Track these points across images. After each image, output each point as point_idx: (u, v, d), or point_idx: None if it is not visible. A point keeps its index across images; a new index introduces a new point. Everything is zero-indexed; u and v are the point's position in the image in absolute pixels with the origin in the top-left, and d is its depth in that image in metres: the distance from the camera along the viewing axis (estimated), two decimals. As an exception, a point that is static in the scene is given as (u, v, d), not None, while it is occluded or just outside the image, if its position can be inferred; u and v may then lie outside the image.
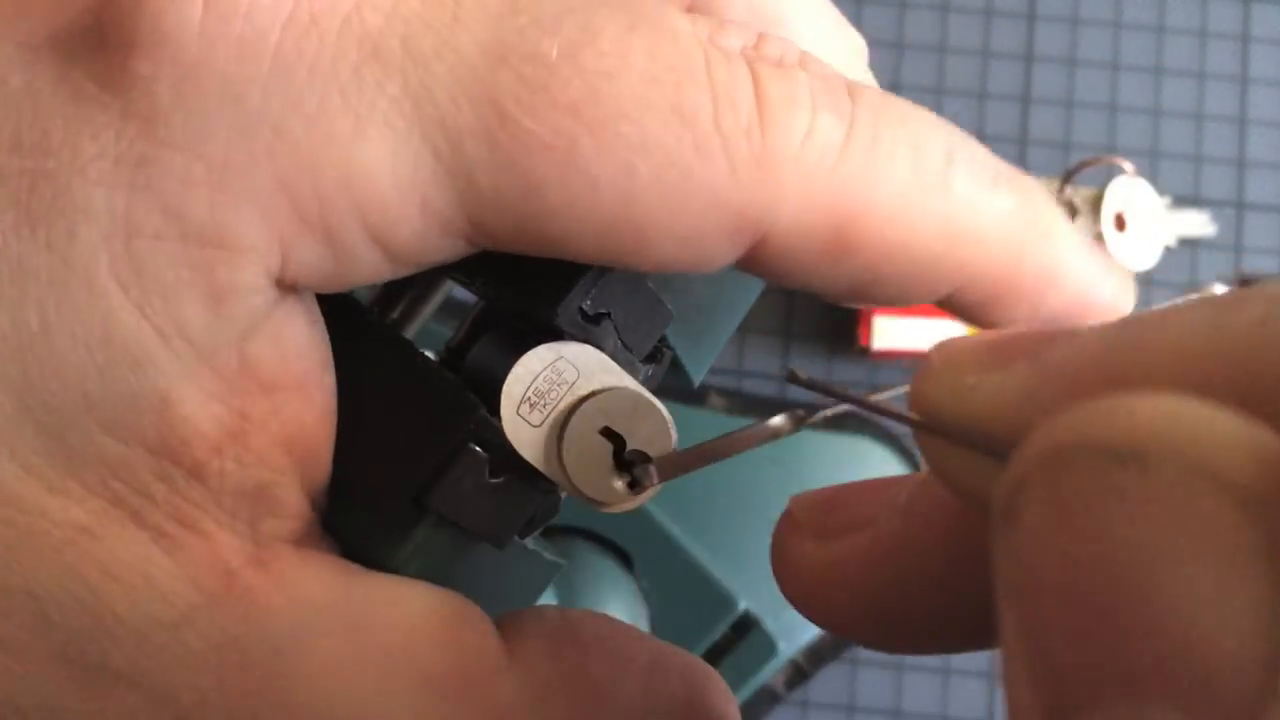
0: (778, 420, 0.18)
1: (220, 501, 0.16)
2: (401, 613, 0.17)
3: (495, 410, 0.18)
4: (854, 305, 0.18)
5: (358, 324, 0.19)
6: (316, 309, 0.17)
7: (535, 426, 0.18)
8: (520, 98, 0.16)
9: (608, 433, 0.18)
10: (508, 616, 0.19)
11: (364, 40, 0.16)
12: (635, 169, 0.16)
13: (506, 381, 0.18)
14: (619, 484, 0.18)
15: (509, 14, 0.16)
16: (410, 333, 0.24)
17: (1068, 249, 0.18)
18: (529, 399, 0.18)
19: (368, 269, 0.16)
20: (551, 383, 0.18)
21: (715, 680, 0.20)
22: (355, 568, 0.18)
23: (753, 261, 0.17)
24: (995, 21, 0.52)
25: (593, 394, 0.18)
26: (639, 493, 0.18)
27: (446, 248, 0.16)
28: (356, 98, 0.15)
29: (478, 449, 0.18)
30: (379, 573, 0.18)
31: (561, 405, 0.18)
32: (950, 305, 0.18)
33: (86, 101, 0.15)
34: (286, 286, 0.16)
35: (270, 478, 0.17)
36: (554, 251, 0.17)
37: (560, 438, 0.18)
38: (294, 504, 0.17)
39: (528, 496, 0.19)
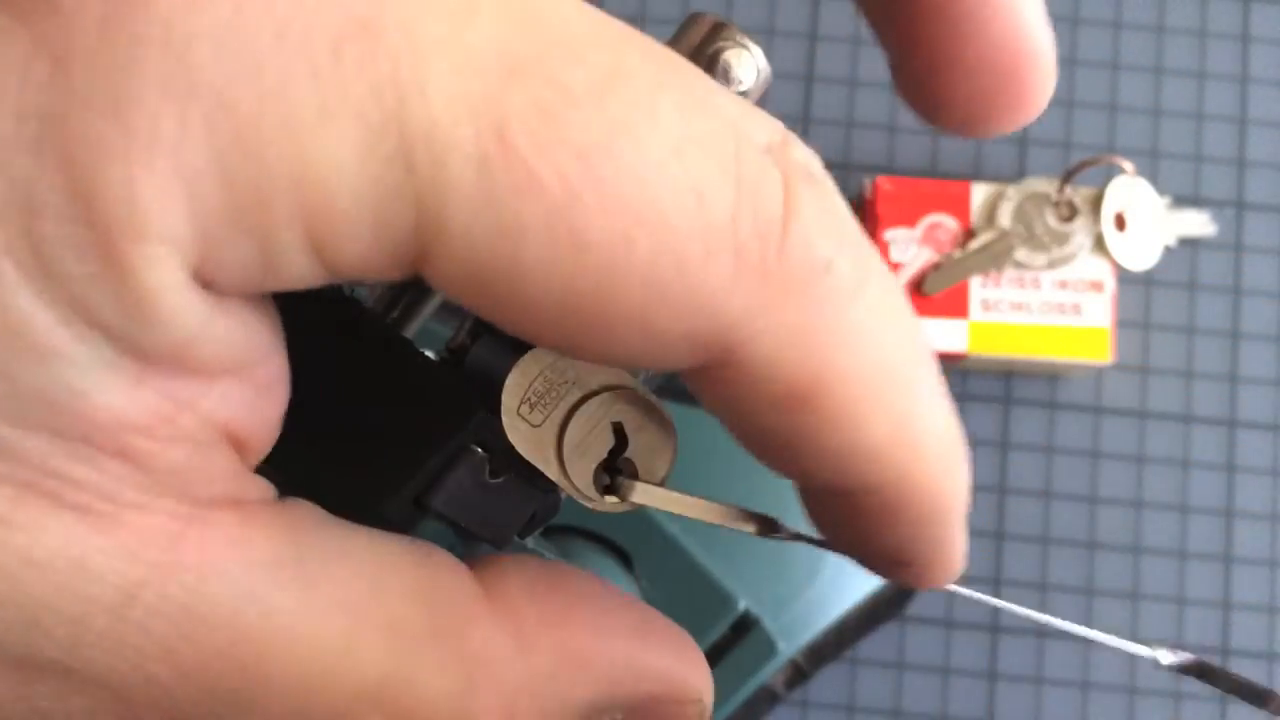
0: (751, 523, 0.18)
1: (150, 475, 0.15)
2: (363, 561, 0.16)
3: (495, 410, 0.18)
4: (767, 462, 0.16)
5: (357, 323, 0.19)
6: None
7: (535, 426, 0.18)
8: (529, 125, 0.13)
9: (615, 432, 0.18)
10: (486, 562, 0.18)
11: (353, 7, 0.13)
12: (634, 243, 0.14)
13: (507, 381, 0.18)
14: (599, 482, 0.18)
15: (534, 26, 0.14)
16: (410, 333, 0.24)
17: (965, 493, 0.17)
18: (529, 399, 0.18)
19: (297, 277, 0.14)
20: (551, 382, 0.18)
21: (701, 661, 0.19)
22: (308, 520, 0.16)
23: (699, 377, 0.15)
24: (995, 21, 0.52)
25: (594, 394, 0.18)
26: (610, 500, 0.18)
27: (388, 271, 0.14)
28: (330, 77, 0.13)
29: (478, 449, 0.18)
30: (339, 522, 0.17)
31: (562, 405, 0.18)
32: (842, 504, 0.17)
33: None
34: (204, 281, 0.14)
35: (199, 450, 0.15)
36: (498, 312, 0.14)
37: (560, 438, 0.18)
38: (228, 467, 0.16)
39: (528, 496, 0.19)
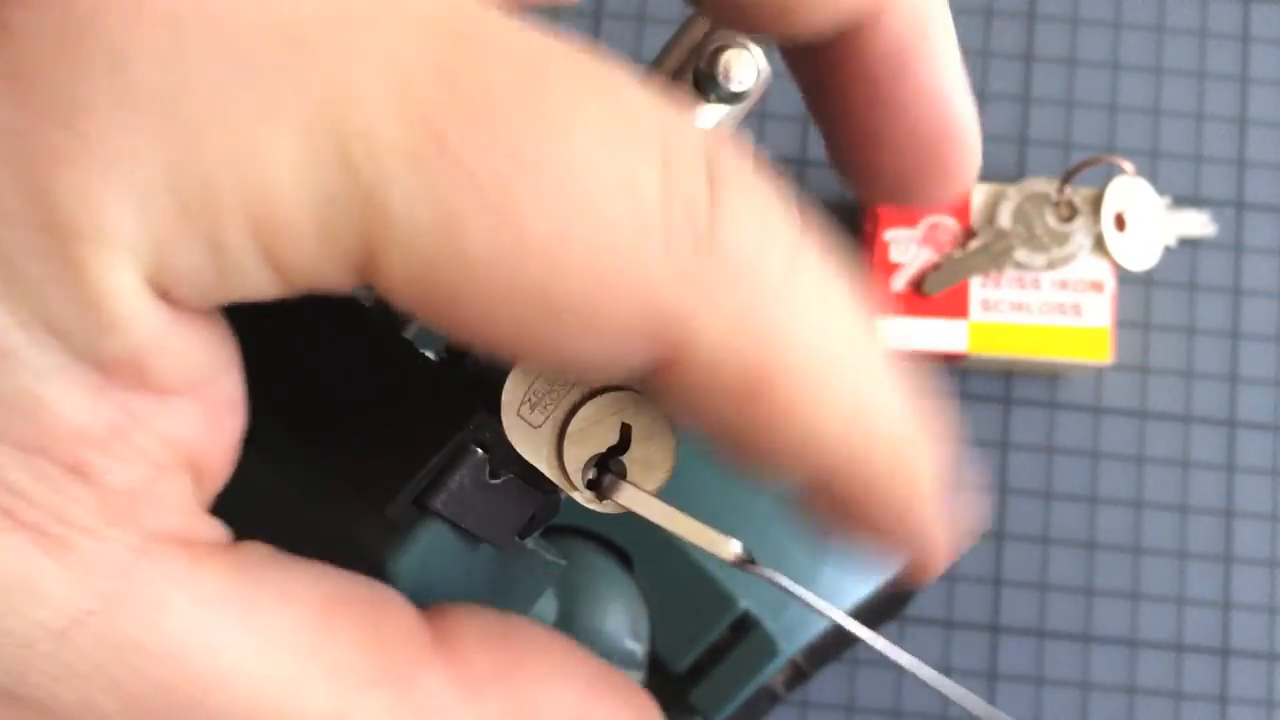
0: (730, 549, 0.18)
1: (105, 499, 0.15)
2: (312, 604, 0.16)
3: (495, 410, 0.18)
4: (735, 466, 0.16)
5: (358, 323, 0.19)
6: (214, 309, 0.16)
7: (535, 427, 0.18)
8: (461, 126, 0.14)
9: (620, 432, 0.18)
10: (439, 609, 0.18)
11: (288, 22, 0.14)
12: (570, 232, 0.14)
13: (507, 381, 0.18)
14: (586, 473, 0.18)
15: (459, 34, 0.14)
16: (410, 333, 0.24)
17: (932, 473, 0.17)
18: (529, 399, 0.18)
19: (254, 285, 0.14)
20: (552, 383, 0.18)
21: (655, 713, 0.19)
22: (259, 562, 0.16)
23: (660, 387, 0.15)
24: (995, 21, 0.52)
25: (594, 394, 0.18)
26: (591, 497, 0.18)
27: (340, 278, 0.15)
28: (266, 84, 0.14)
29: (478, 449, 0.18)
30: (286, 561, 0.17)
31: (562, 405, 0.18)
32: (820, 504, 0.17)
33: None
34: (160, 290, 0.14)
35: (155, 474, 0.15)
36: (449, 317, 0.15)
37: (560, 438, 0.18)
38: (181, 500, 0.16)
39: (528, 496, 0.19)
